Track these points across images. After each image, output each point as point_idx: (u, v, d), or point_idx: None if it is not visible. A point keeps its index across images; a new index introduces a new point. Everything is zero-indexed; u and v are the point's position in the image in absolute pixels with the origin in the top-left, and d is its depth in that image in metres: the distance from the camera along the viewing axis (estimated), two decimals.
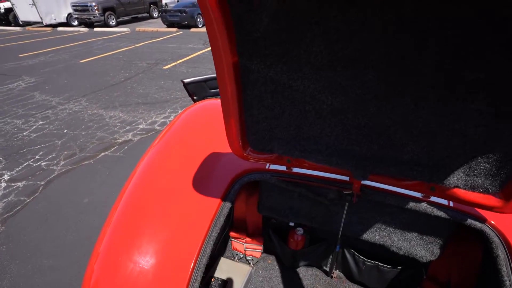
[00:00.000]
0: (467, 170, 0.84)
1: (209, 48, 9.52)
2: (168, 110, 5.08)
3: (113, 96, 5.90)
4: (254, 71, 0.83)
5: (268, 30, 0.71)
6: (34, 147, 4.11)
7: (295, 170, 1.30)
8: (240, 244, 1.81)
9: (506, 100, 0.64)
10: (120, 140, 4.18)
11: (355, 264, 1.63)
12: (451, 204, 1.11)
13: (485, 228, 1.03)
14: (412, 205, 1.13)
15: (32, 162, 3.77)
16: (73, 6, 14.76)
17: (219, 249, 1.78)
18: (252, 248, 1.79)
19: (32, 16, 15.28)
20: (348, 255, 1.64)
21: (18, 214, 2.91)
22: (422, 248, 1.29)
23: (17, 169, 3.64)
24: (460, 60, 0.61)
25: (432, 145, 0.82)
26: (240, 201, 1.76)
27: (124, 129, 4.49)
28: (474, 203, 0.95)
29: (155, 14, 17.88)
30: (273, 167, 1.36)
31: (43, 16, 15.14)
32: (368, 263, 1.58)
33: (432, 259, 1.28)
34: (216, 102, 1.97)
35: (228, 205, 1.31)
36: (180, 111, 5.04)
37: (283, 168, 1.33)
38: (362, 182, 1.14)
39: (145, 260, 1.18)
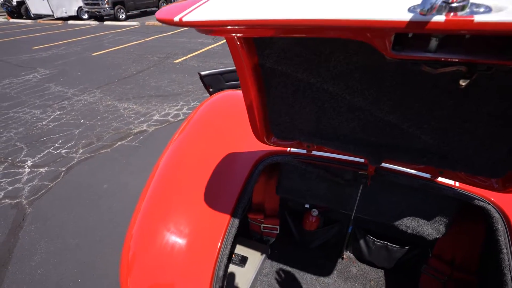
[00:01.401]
0: (473, 159, 0.94)
1: (219, 43, 9.62)
2: (181, 103, 5.22)
3: (126, 88, 6.05)
4: (275, 76, 0.94)
5: (288, 44, 0.80)
6: (53, 136, 4.29)
7: (314, 152, 1.42)
8: (257, 225, 1.94)
9: None
10: (135, 131, 4.34)
11: (365, 244, 1.75)
12: (457, 184, 1.22)
13: (487, 205, 1.14)
14: (421, 184, 1.24)
15: (52, 149, 3.95)
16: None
17: (238, 229, 1.92)
18: (269, 229, 1.92)
19: (44, 9, 15.52)
20: (359, 236, 1.76)
21: (43, 197, 3.08)
22: (429, 226, 1.40)
23: (39, 156, 3.82)
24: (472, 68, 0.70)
25: (442, 138, 0.93)
26: (259, 185, 1.88)
27: (139, 120, 4.65)
28: (477, 184, 1.06)
29: None
30: (294, 150, 1.48)
31: (54, 9, 15.37)
32: (377, 243, 1.70)
33: (438, 236, 1.40)
34: (235, 92, 2.09)
35: (252, 184, 1.43)
36: (192, 104, 5.18)
37: (303, 151, 1.45)
38: None
39: (179, 231, 1.31)
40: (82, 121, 4.71)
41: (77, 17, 16.05)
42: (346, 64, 0.81)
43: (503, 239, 1.06)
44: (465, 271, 1.48)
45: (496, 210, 1.13)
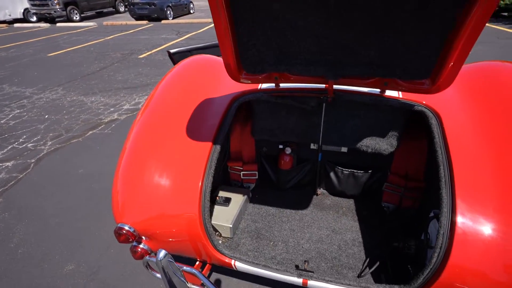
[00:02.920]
0: (407, 64, 1.19)
1: (183, 38, 9.57)
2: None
3: (90, 84, 5.86)
4: (242, 9, 1.10)
5: None
6: (15, 132, 4.07)
7: (282, 86, 1.61)
8: (237, 173, 2.10)
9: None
10: (106, 120, 4.26)
11: (335, 176, 1.99)
12: (401, 95, 1.49)
13: (423, 109, 1.42)
14: (373, 100, 1.49)
15: (16, 145, 3.76)
16: (30, 0, 13.92)
17: (220, 178, 2.06)
18: (248, 175, 2.08)
19: None
20: (329, 169, 1.99)
21: (13, 187, 2.96)
22: (384, 142, 1.66)
23: (2, 152, 3.62)
24: None
25: (381, 49, 1.16)
26: (235, 135, 2.04)
27: (109, 111, 4.56)
28: (415, 89, 1.32)
29: (122, 9, 17.33)
30: (264, 86, 1.66)
31: None
32: (345, 171, 1.94)
33: (392, 150, 1.66)
34: (207, 56, 2.23)
35: (228, 121, 1.58)
36: None
37: (272, 85, 1.63)
38: (334, 87, 1.47)
39: (164, 167, 1.42)
40: (46, 116, 4.51)
41: (24, 20, 14.91)
42: None
43: (435, 129, 1.33)
44: (416, 180, 1.77)
45: (429, 110, 1.40)
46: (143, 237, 1.41)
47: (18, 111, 4.77)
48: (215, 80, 1.91)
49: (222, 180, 2.11)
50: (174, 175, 1.40)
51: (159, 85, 1.87)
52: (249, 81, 1.47)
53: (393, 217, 1.84)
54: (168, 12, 13.70)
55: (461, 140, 1.28)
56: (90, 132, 3.96)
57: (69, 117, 4.43)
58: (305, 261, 1.43)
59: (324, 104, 1.60)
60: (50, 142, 3.75)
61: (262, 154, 2.12)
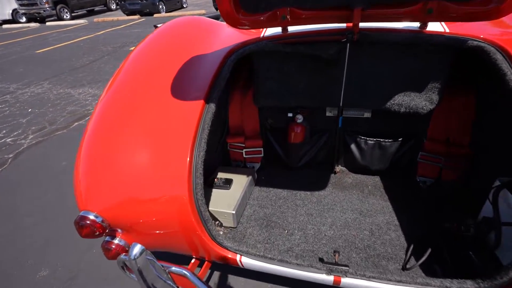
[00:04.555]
0: None
1: None
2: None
3: (78, 76, 5.50)
4: None
5: None
6: None
7: (291, 30, 1.25)
8: (239, 151, 1.74)
9: None
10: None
11: (357, 148, 1.64)
12: (447, 30, 1.13)
13: (481, 43, 1.05)
14: (411, 37, 1.13)
15: None
16: (18, 0, 13.47)
17: (217, 159, 1.71)
18: (252, 153, 1.73)
19: None
20: (349, 140, 1.64)
21: None
22: (421, 98, 1.30)
23: None
24: None
25: None
26: (234, 105, 1.69)
27: (97, 101, 4.21)
28: (469, 14, 0.96)
29: (113, 6, 16.84)
30: (268, 34, 1.31)
31: None
32: (369, 141, 1.59)
33: (431, 107, 1.31)
34: (197, 16, 1.88)
35: (224, 77, 1.23)
36: None
37: (278, 31, 1.28)
38: (360, 25, 1.11)
39: (141, 138, 1.08)
40: (29, 110, 4.16)
41: (13, 21, 14.49)
42: None
43: (504, 64, 0.97)
44: (460, 145, 1.42)
45: (489, 44, 1.04)
46: (118, 230, 1.07)
47: (0, 106, 4.42)
48: (207, 38, 1.56)
49: (221, 161, 1.76)
50: (153, 148, 1.06)
51: (137, 46, 1.53)
52: (249, 25, 1.12)
53: (433, 194, 1.50)
54: (160, 6, 13.27)
55: None
56: (76, 123, 3.61)
57: (54, 110, 4.08)
58: (334, 251, 1.09)
59: (347, 49, 1.24)
60: (32, 136, 3.41)
61: (267, 127, 1.76)
